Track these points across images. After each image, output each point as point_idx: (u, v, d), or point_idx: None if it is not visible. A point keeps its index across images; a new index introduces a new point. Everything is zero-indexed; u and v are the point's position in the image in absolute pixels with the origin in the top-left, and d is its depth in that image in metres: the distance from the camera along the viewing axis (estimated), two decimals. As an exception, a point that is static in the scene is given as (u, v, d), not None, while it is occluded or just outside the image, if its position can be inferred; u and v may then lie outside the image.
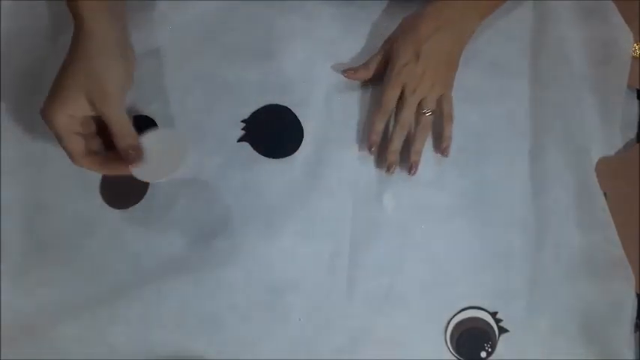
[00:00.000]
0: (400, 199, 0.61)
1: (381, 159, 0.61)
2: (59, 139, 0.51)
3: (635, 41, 0.65)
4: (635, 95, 0.66)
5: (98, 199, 0.59)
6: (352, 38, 0.65)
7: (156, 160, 0.53)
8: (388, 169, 0.60)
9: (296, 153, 0.61)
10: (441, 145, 0.62)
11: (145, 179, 0.53)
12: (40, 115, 0.51)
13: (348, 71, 0.62)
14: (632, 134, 0.66)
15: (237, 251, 0.59)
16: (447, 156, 0.61)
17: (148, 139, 0.54)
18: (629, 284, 0.61)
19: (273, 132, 0.62)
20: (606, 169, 0.64)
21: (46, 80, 0.59)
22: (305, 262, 0.60)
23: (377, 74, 0.62)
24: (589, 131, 0.64)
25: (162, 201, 0.60)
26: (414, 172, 0.61)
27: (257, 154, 0.61)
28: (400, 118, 0.60)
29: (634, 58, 0.65)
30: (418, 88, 0.60)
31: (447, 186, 0.62)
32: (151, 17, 0.62)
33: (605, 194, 0.63)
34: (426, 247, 0.61)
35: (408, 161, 0.61)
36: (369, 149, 0.60)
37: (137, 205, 0.59)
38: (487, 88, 0.64)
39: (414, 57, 0.59)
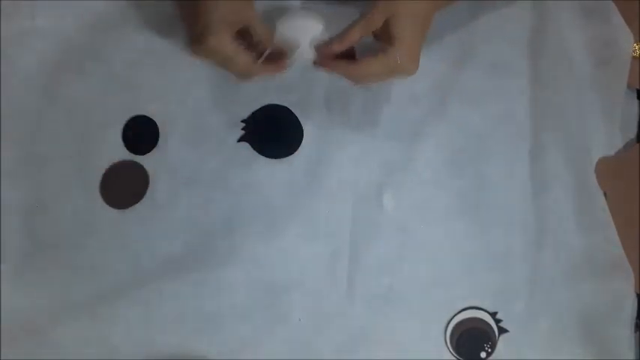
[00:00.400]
0: (400, 199, 0.61)
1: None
2: (229, 59, 0.52)
3: (635, 41, 0.65)
4: (635, 95, 0.66)
5: (98, 199, 0.59)
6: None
7: (302, 39, 0.55)
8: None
9: (296, 153, 0.61)
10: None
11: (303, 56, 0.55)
12: (195, 53, 0.52)
13: (321, 47, 0.55)
14: (632, 134, 0.66)
15: (237, 251, 0.59)
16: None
17: (288, 27, 0.55)
18: (629, 284, 0.61)
19: (273, 132, 0.62)
20: (606, 169, 0.64)
21: (46, 80, 0.60)
22: (305, 262, 0.60)
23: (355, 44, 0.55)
24: (589, 131, 0.64)
25: (163, 201, 0.60)
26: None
27: (257, 154, 0.61)
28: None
29: (634, 58, 0.65)
30: None
31: (447, 186, 0.62)
32: (150, 17, 0.61)
33: (605, 194, 0.63)
34: (426, 247, 0.61)
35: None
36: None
37: (137, 205, 0.59)
38: (487, 89, 0.64)
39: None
